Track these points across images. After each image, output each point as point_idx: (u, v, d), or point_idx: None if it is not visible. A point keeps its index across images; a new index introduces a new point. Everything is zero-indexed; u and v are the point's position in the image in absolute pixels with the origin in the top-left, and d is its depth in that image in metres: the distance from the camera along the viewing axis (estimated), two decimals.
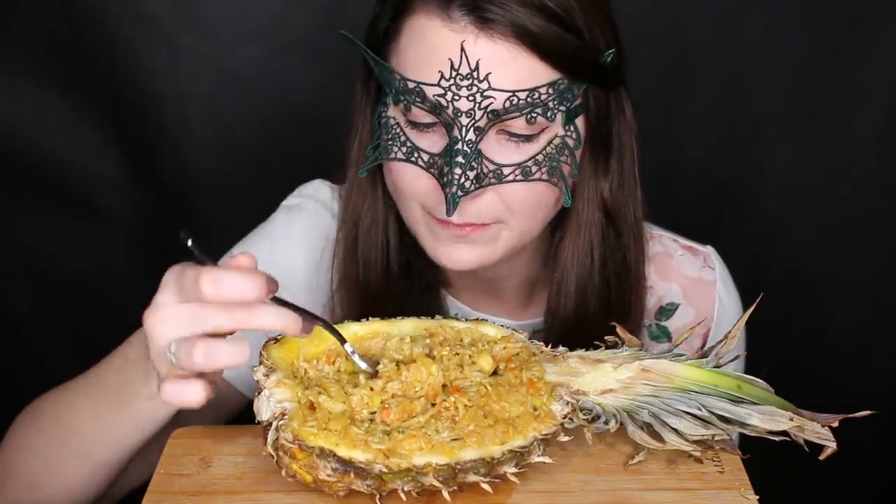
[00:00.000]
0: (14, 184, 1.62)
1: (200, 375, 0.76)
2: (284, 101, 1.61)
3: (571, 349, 0.87)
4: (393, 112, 0.95)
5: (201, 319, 0.74)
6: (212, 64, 1.58)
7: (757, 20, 1.59)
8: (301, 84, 1.60)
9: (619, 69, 0.98)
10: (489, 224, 0.95)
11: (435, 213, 0.95)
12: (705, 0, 1.58)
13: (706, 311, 1.15)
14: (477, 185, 0.91)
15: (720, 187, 1.69)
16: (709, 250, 1.19)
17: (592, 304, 1.04)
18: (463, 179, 0.90)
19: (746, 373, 0.86)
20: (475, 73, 0.89)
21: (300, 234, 1.13)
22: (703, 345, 1.14)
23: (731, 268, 1.20)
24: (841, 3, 1.57)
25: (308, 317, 0.78)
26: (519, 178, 0.93)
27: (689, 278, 1.16)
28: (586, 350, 0.87)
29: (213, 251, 0.78)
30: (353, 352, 0.82)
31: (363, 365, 0.82)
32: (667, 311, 1.15)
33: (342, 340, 0.82)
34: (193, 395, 0.75)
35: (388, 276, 1.07)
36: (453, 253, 0.97)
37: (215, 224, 1.61)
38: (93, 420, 0.91)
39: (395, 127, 0.95)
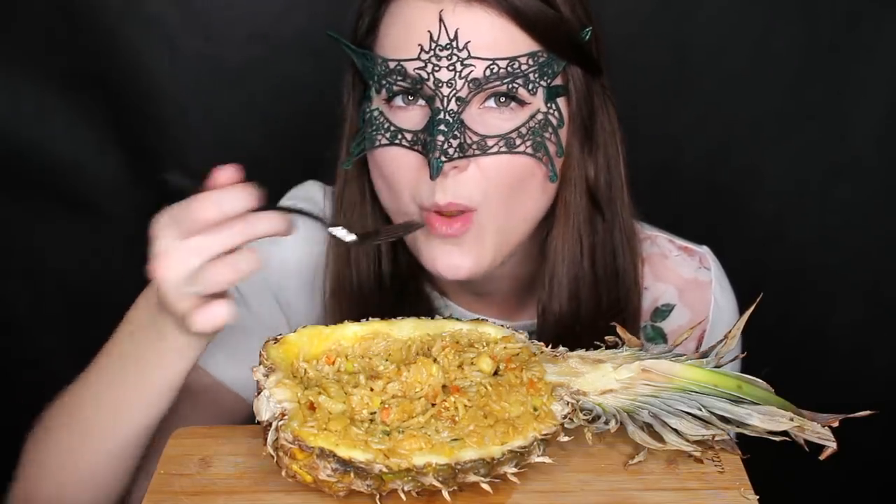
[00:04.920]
0: (14, 184, 1.61)
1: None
2: (284, 101, 1.61)
3: (571, 349, 0.87)
4: (376, 103, 0.96)
5: (209, 245, 0.78)
6: (212, 64, 1.58)
7: (756, 20, 1.59)
8: (301, 84, 1.59)
9: (598, 57, 0.99)
10: (473, 212, 0.94)
11: (422, 197, 0.94)
12: (705, 0, 1.58)
13: (701, 313, 1.15)
14: (461, 154, 0.91)
15: (719, 187, 1.69)
16: (704, 251, 1.18)
17: (584, 299, 1.03)
18: (446, 146, 0.91)
19: (746, 373, 0.86)
20: (454, 43, 0.90)
21: (293, 236, 1.13)
22: (698, 347, 1.13)
23: (730, 268, 1.19)
24: (840, 2, 1.57)
25: (287, 213, 0.82)
26: (503, 149, 0.93)
27: (685, 279, 1.16)
28: (586, 350, 0.87)
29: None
30: (335, 228, 0.86)
31: (349, 238, 0.86)
32: (662, 312, 1.15)
33: (324, 222, 0.87)
34: (224, 310, 0.79)
35: (381, 284, 1.07)
36: (448, 259, 0.97)
37: None
38: (113, 402, 0.92)
39: (378, 117, 0.96)
